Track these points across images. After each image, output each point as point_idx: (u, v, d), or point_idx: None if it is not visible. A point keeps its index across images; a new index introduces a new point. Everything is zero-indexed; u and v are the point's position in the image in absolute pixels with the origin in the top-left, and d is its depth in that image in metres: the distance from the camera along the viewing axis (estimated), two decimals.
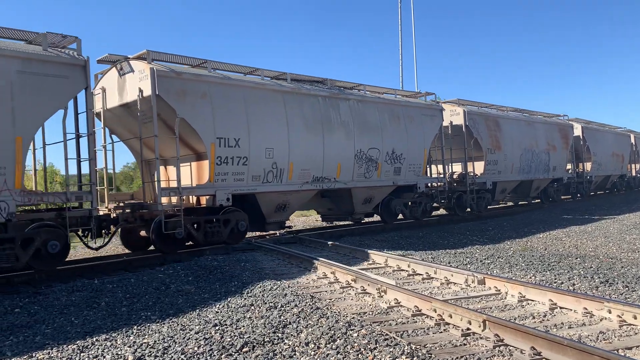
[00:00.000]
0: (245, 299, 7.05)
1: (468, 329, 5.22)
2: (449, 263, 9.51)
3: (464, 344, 4.94)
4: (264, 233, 14.25)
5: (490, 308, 6.33)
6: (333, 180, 13.42)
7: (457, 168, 18.77)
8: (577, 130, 25.34)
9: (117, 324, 6.18)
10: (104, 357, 4.98)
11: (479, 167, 18.27)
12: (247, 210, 11.99)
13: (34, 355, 5.13)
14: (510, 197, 22.27)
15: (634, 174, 33.30)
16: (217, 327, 5.72)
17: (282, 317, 5.95)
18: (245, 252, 11.30)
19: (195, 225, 11.05)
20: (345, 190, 13.96)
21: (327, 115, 13.31)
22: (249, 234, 13.28)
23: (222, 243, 11.55)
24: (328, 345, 4.92)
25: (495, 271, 8.74)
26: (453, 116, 18.09)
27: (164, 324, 6.09)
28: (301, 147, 12.63)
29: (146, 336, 5.61)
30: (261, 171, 11.91)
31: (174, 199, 11.11)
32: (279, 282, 7.89)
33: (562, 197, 25.19)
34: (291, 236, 13.60)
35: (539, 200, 23.68)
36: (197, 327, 5.79)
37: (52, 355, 5.10)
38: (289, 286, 7.65)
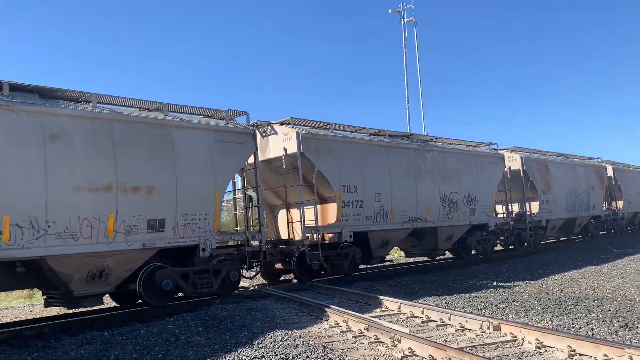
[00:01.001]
0: (255, 350, 6.93)
1: None
2: (464, 308, 9.33)
3: None
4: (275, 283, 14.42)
5: (507, 356, 6.16)
6: (424, 220, 15.61)
7: (515, 208, 21.03)
8: (610, 171, 27.66)
9: None
10: None
11: (534, 207, 20.86)
12: (359, 246, 14.19)
13: None
14: (556, 234, 24.11)
15: None
16: None
17: None
18: (255, 300, 11.19)
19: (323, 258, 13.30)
20: (433, 229, 16.06)
21: (417, 165, 15.70)
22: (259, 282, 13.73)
23: (343, 274, 13.83)
24: None
25: (510, 316, 8.55)
26: (511, 162, 20.60)
27: None
28: (400, 192, 14.93)
29: None
30: (372, 212, 14.22)
31: (313, 236, 13.26)
32: (290, 332, 7.76)
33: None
34: (302, 283, 13.46)
35: (580, 236, 26.19)
36: None
37: None
38: (300, 336, 7.52)
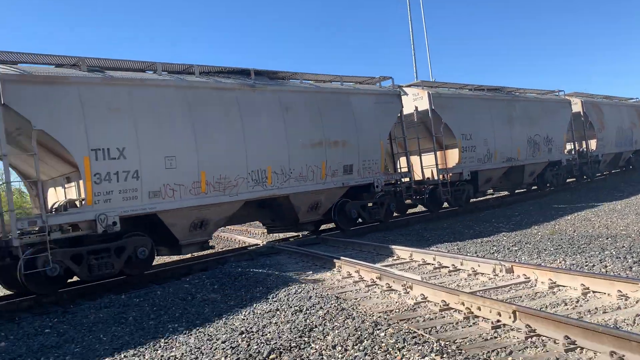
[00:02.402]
0: (270, 304, 7.01)
1: (498, 320, 5.08)
2: (476, 253, 9.34)
3: (495, 337, 4.80)
4: (288, 235, 14.49)
5: (520, 297, 6.17)
6: (516, 159, 18.46)
7: (568, 146, 23.39)
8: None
9: (145, 338, 6.19)
10: None
11: (592, 144, 23.70)
12: (469, 183, 17.06)
13: None
14: (606, 167, 25.63)
15: None
16: (243, 335, 5.68)
17: (307, 320, 5.88)
18: (269, 256, 11.29)
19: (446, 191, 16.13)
20: (521, 166, 18.81)
21: (510, 113, 18.58)
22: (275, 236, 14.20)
23: (460, 206, 16.82)
24: (355, 347, 4.84)
25: (523, 258, 8.54)
26: (572, 106, 22.59)
27: (191, 335, 6.08)
28: (500, 137, 17.82)
29: (174, 349, 5.61)
30: (481, 155, 17.10)
31: (441, 176, 16.14)
32: (303, 285, 7.83)
33: None
34: (314, 237, 13.56)
35: (624, 168, 27.70)
36: (224, 336, 5.76)
37: None
38: (313, 288, 7.58)
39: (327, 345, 4.99)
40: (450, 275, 7.86)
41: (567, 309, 5.52)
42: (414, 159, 16.09)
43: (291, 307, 6.61)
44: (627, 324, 4.79)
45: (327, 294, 7.08)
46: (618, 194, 17.97)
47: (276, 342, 5.25)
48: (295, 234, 14.44)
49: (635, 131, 27.13)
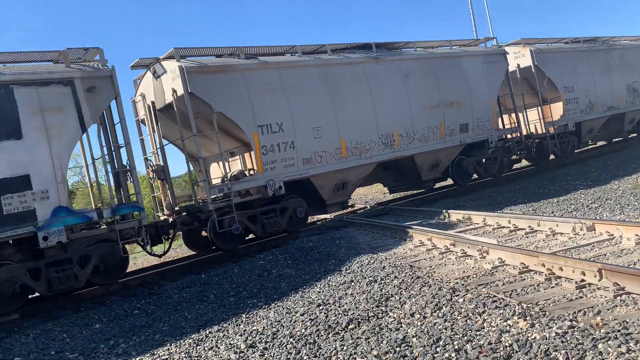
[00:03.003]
0: (344, 276, 7.07)
1: (582, 280, 4.87)
2: (553, 213, 8.98)
3: (580, 297, 4.62)
4: (355, 208, 14.53)
5: (605, 255, 5.89)
6: (617, 107, 18.64)
7: None
8: None
9: (227, 314, 6.43)
10: (219, 347, 5.19)
11: None
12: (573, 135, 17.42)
13: (155, 352, 5.45)
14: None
15: None
16: (320, 307, 5.77)
17: (383, 290, 5.89)
18: (339, 230, 11.37)
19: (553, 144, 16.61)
20: (622, 114, 18.96)
21: (608, 63, 18.76)
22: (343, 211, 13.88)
23: (566, 157, 16.94)
24: (434, 314, 4.80)
25: (605, 215, 8.14)
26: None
27: (270, 309, 6.25)
28: (600, 87, 18.05)
29: (255, 323, 5.79)
30: (584, 106, 17.52)
31: (549, 129, 16.65)
32: (375, 256, 7.84)
33: None
34: (382, 207, 13.51)
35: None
36: (302, 309, 5.88)
37: (171, 351, 5.40)
38: (386, 258, 7.57)
39: (405, 314, 4.98)
40: (527, 237, 7.62)
41: None
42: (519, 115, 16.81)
43: (365, 277, 6.64)
44: None
45: (401, 263, 7.06)
46: None
47: (353, 313, 5.30)
48: (419, 190, 15.63)
49: None
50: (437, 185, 15.57)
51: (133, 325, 6.75)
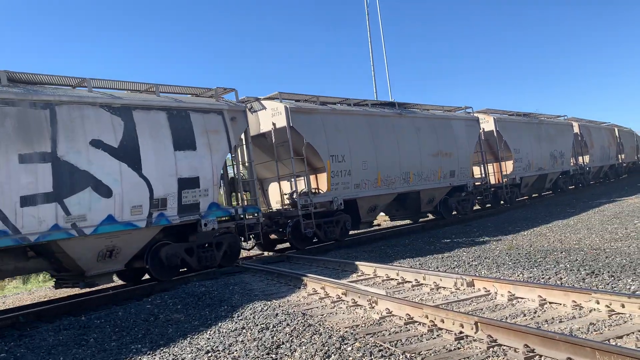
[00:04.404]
0: (236, 322, 6.97)
1: (461, 332, 5.23)
2: (437, 268, 9.54)
3: (458, 348, 4.94)
4: (250, 254, 14.50)
5: (482, 309, 6.35)
6: (543, 168, 24.05)
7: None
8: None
9: (107, 359, 6.06)
10: None
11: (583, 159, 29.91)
12: None
13: None
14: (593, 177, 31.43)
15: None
16: (209, 354, 5.64)
17: (274, 337, 5.89)
18: (232, 275, 11.21)
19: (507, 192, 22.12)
20: (545, 174, 24.54)
21: (538, 133, 24.29)
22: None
23: (511, 204, 22.20)
24: None
25: (483, 272, 8.79)
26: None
27: (155, 355, 5.99)
28: (534, 152, 23.52)
29: None
30: (525, 165, 22.77)
31: (504, 180, 22.03)
32: (269, 303, 7.82)
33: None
34: (279, 255, 13.56)
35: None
36: (189, 355, 5.71)
37: None
38: (279, 305, 7.59)
39: None
40: (413, 290, 8.02)
41: (526, 319, 5.72)
42: (476, 169, 21.10)
43: (257, 324, 6.60)
44: (582, 332, 5.01)
45: (294, 311, 7.10)
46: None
47: None
48: (413, 221, 18.52)
49: (611, 149, 33.66)
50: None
51: None
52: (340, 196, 14.38)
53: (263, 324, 6.58)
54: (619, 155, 35.86)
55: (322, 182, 14.52)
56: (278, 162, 14.14)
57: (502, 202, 22.02)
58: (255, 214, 12.56)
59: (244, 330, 6.46)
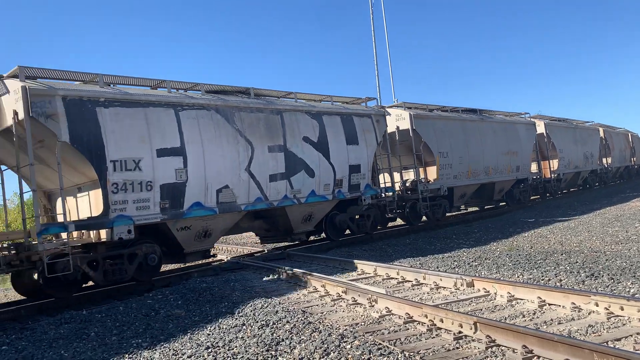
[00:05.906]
0: (236, 319, 7.01)
1: (460, 332, 5.25)
2: (437, 268, 9.56)
3: (457, 348, 4.96)
4: (252, 251, 14.52)
5: (481, 310, 6.38)
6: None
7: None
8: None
9: (108, 354, 6.10)
10: None
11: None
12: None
13: None
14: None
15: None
16: (209, 350, 5.67)
17: (274, 334, 5.93)
18: (234, 272, 11.25)
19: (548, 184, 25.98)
20: (579, 172, 28.09)
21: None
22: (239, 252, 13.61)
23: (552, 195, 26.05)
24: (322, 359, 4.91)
25: (483, 273, 8.81)
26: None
27: (155, 350, 6.02)
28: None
29: None
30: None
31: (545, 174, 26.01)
32: (269, 300, 7.86)
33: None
34: (279, 252, 13.60)
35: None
36: (190, 351, 5.74)
37: None
38: (279, 303, 7.62)
39: (294, 358, 5.05)
40: (413, 289, 8.04)
41: (525, 320, 5.75)
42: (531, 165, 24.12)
43: (257, 321, 6.64)
44: (580, 334, 5.03)
45: (294, 309, 7.14)
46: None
47: (243, 356, 5.27)
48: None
49: (627, 152, 36.56)
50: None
51: None
52: (445, 185, 17.94)
53: (263, 320, 6.61)
54: (632, 158, 40.03)
55: (430, 173, 18.03)
56: (391, 156, 16.65)
57: (547, 194, 25.33)
58: (392, 194, 16.02)
59: (244, 327, 6.49)
